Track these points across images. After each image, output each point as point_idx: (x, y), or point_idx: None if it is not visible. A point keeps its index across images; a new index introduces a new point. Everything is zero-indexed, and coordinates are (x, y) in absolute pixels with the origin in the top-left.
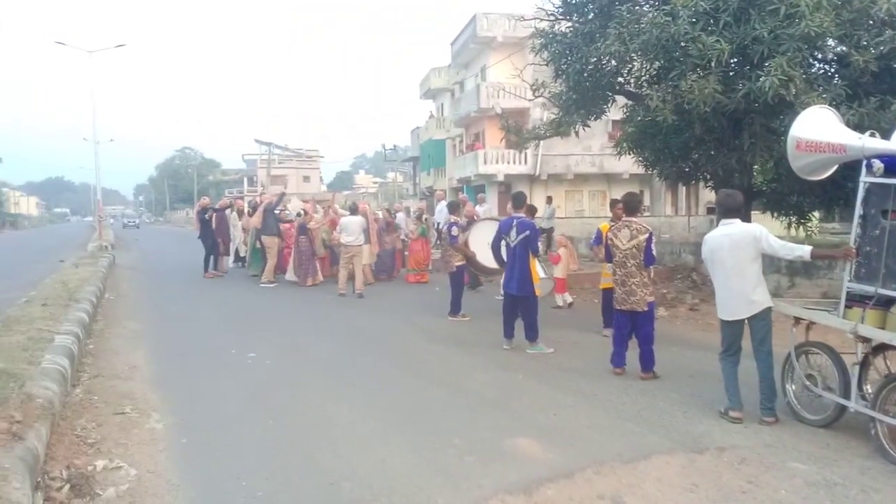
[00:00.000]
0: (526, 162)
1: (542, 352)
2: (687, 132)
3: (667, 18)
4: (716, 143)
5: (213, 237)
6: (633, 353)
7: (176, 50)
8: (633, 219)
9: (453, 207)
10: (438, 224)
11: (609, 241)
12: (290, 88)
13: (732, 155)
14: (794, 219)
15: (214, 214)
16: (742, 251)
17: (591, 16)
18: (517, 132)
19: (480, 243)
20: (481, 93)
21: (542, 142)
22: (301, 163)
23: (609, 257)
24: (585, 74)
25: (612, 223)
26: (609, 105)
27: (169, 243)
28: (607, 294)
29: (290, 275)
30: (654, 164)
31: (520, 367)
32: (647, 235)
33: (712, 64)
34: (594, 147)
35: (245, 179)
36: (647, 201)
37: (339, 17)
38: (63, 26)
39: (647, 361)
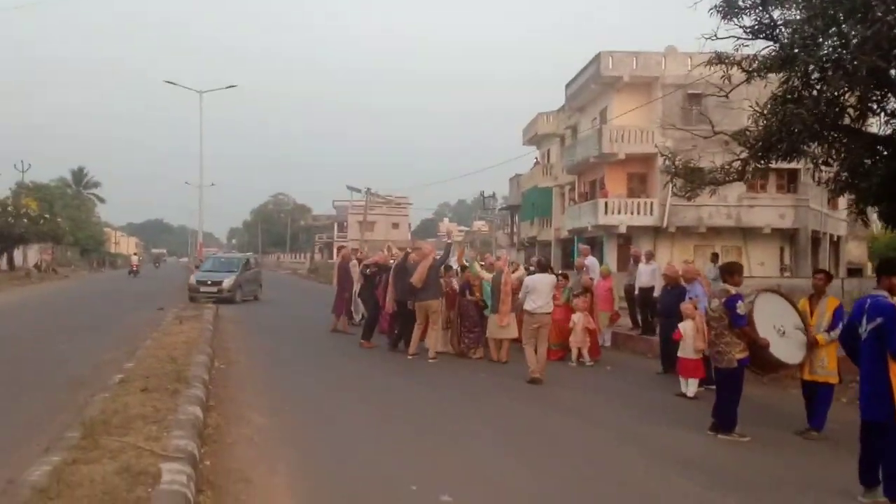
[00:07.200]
0: (652, 213)
1: None
2: None
3: None
4: None
5: (375, 298)
6: None
7: (275, 95)
8: None
9: (729, 272)
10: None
11: None
12: (379, 135)
13: None
14: None
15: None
16: None
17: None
18: (689, 175)
19: (767, 327)
20: (603, 136)
21: (671, 191)
22: (390, 209)
23: None
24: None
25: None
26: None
27: (270, 290)
28: None
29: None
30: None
31: None
32: None
33: None
34: (730, 198)
35: (335, 225)
36: (787, 259)
37: (430, 63)
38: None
39: None
